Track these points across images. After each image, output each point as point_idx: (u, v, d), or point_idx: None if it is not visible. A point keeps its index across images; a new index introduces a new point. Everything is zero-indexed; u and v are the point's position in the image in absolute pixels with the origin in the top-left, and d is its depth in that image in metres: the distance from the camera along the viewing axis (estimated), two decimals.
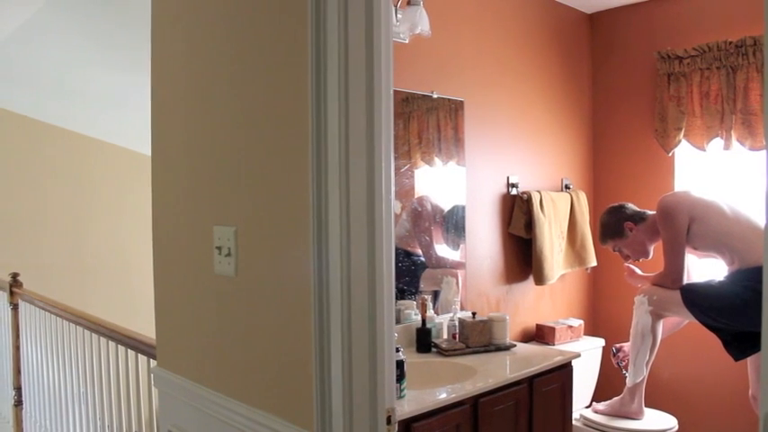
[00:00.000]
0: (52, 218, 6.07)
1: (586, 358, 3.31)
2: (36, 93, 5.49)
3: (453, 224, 3.11)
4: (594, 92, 3.93)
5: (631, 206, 3.22)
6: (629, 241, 3.18)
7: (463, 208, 3.14)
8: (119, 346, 2.72)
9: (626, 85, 3.79)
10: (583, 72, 3.88)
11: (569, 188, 3.70)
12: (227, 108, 1.64)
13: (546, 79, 3.60)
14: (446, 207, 3.09)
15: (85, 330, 3.01)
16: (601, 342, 3.62)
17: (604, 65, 3.88)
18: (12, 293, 3.91)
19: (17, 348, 3.97)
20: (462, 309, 3.05)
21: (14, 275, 3.92)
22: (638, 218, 3.17)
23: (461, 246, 3.14)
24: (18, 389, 3.98)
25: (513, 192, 3.38)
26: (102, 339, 2.84)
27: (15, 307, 3.94)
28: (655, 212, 3.11)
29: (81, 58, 4.61)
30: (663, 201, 3.07)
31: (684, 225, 2.95)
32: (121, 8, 3.70)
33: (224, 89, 1.65)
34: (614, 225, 3.19)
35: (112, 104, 5.34)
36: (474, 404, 2.26)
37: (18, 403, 3.99)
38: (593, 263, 3.70)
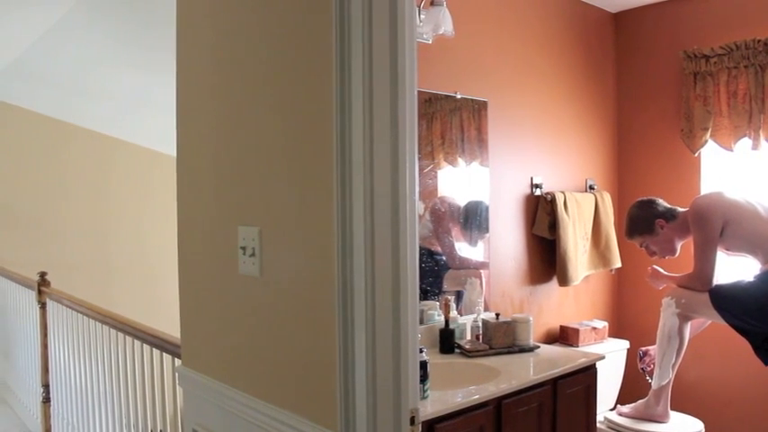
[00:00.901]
0: (77, 217, 6.15)
1: (611, 360, 3.27)
2: (62, 94, 5.56)
3: (477, 224, 3.09)
4: (619, 92, 3.90)
5: (662, 202, 3.16)
6: (659, 239, 3.12)
7: (485, 204, 3.13)
8: (144, 344, 2.74)
9: (651, 85, 3.75)
10: (607, 72, 3.84)
11: (594, 189, 3.67)
12: (251, 109, 1.65)
13: (570, 79, 3.58)
14: (468, 206, 3.08)
15: (111, 329, 3.04)
16: (625, 344, 3.58)
17: (629, 64, 3.85)
18: (40, 292, 3.97)
19: (45, 346, 4.03)
20: (486, 310, 3.04)
21: (42, 274, 3.98)
22: (670, 215, 3.11)
23: (485, 246, 3.13)
24: (46, 386, 4.04)
25: (537, 192, 3.36)
26: (128, 338, 2.87)
27: (43, 306, 3.99)
28: (685, 210, 3.08)
29: (107, 59, 4.67)
30: (697, 203, 3.03)
31: (718, 228, 2.91)
32: (148, 9, 3.74)
33: (248, 91, 1.66)
34: (645, 221, 3.13)
35: (138, 105, 5.40)
36: (497, 405, 2.26)
37: (46, 400, 4.05)
38: (618, 264, 3.67)
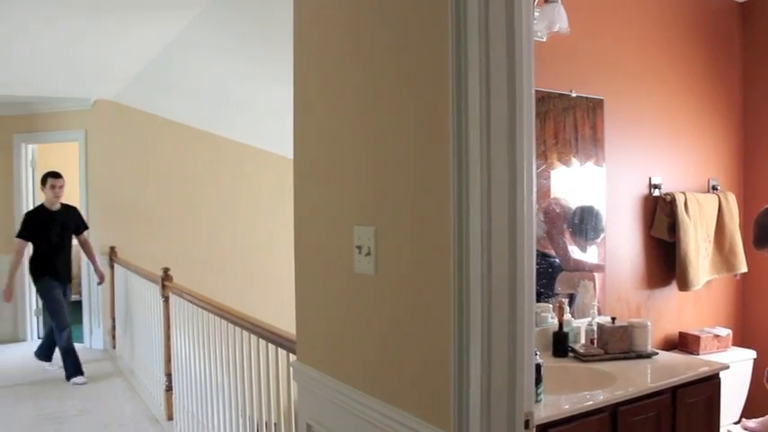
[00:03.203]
0: (196, 217, 6.46)
1: (735, 370, 3.09)
2: (181, 99, 5.85)
3: (592, 226, 3.01)
4: (746, 86, 3.67)
5: None
6: None
7: (599, 208, 3.04)
8: (260, 339, 2.83)
9: None
10: (732, 65, 3.63)
11: (717, 189, 3.49)
12: (367, 110, 1.67)
13: (691, 74, 3.41)
14: (582, 207, 3.00)
15: (229, 324, 3.16)
16: (752, 354, 3.38)
17: (757, 56, 3.62)
18: (163, 287, 4.19)
19: (168, 338, 4.25)
20: (600, 313, 2.95)
21: (166, 270, 4.20)
22: None
23: (599, 249, 3.04)
24: (168, 375, 4.27)
25: (656, 193, 3.23)
26: (245, 333, 2.98)
27: (166, 299, 4.21)
28: None
29: (223, 66, 4.86)
30: None
31: None
32: (264, 14, 3.87)
33: (365, 92, 1.68)
34: None
35: (251, 108, 5.59)
36: (613, 412, 2.19)
37: (168, 388, 4.27)
38: (744, 269, 3.47)
